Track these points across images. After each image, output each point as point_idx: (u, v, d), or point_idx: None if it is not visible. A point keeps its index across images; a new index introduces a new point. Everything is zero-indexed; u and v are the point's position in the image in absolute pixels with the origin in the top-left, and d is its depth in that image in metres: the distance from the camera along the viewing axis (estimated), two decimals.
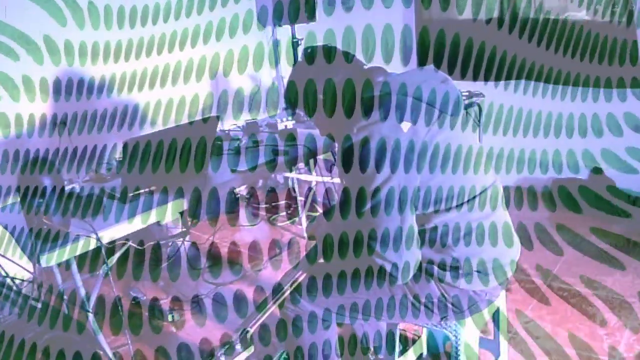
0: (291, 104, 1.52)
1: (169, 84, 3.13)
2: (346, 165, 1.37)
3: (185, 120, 3.14)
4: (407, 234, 1.34)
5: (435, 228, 1.40)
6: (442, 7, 3.44)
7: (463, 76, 3.22)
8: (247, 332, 1.85)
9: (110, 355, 2.00)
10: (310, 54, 1.48)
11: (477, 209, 1.41)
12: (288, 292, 1.71)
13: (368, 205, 1.34)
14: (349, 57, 1.49)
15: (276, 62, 3.83)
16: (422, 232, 1.41)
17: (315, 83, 1.44)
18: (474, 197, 1.41)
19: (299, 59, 1.56)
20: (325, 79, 1.44)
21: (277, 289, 1.76)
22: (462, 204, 1.39)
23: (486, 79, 3.24)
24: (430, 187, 1.36)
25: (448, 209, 1.39)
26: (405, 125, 1.35)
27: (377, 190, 1.33)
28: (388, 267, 1.37)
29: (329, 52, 1.48)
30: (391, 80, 1.44)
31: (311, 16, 3.38)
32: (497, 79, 3.25)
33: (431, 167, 1.36)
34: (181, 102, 3.17)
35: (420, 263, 1.42)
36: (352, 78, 1.43)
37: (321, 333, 1.64)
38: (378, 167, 1.32)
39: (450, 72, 3.10)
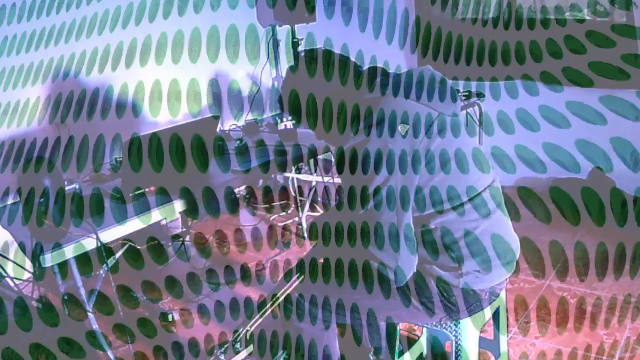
0: (295, 116, 1.53)
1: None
2: (343, 169, 1.38)
3: (184, 118, 3.14)
4: (403, 235, 1.34)
5: (434, 229, 1.40)
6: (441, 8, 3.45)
7: (462, 76, 3.22)
8: (247, 331, 1.85)
9: (111, 355, 2.00)
10: (308, 61, 1.49)
11: (476, 209, 1.41)
12: (288, 291, 1.71)
13: (361, 211, 1.35)
14: (345, 62, 1.49)
15: (276, 62, 3.83)
16: (421, 233, 1.41)
17: (314, 96, 1.46)
18: (473, 198, 1.41)
19: (295, 64, 1.56)
20: (321, 90, 1.45)
21: (277, 288, 1.76)
22: (461, 204, 1.39)
23: (485, 79, 3.24)
24: (429, 188, 1.36)
25: (447, 210, 1.39)
26: (404, 127, 1.35)
27: (374, 192, 1.33)
28: (390, 274, 1.37)
29: (327, 58, 1.48)
30: (388, 82, 1.44)
31: (311, 11, 3.36)
32: (497, 79, 3.24)
33: (430, 168, 1.36)
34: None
35: (420, 263, 1.42)
36: (347, 97, 1.45)
37: (321, 333, 1.64)
38: (376, 169, 1.32)
39: (450, 71, 3.09)
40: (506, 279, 1.54)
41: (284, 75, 3.85)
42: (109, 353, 1.99)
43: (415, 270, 1.40)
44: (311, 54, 1.51)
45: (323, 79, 1.47)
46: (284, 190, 3.78)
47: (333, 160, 3.01)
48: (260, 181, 3.88)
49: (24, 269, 2.04)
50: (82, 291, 1.87)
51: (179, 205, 1.96)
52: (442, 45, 3.16)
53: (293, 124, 2.71)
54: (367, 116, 1.39)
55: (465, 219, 1.40)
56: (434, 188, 1.37)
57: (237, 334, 1.87)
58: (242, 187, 3.72)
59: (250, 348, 1.88)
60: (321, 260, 1.65)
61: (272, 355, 1.99)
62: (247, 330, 1.83)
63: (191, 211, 2.01)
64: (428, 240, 1.41)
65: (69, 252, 1.68)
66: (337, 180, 3.14)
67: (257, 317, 1.83)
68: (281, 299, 1.69)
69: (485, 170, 1.50)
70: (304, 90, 1.48)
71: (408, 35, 3.59)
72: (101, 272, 1.95)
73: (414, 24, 3.58)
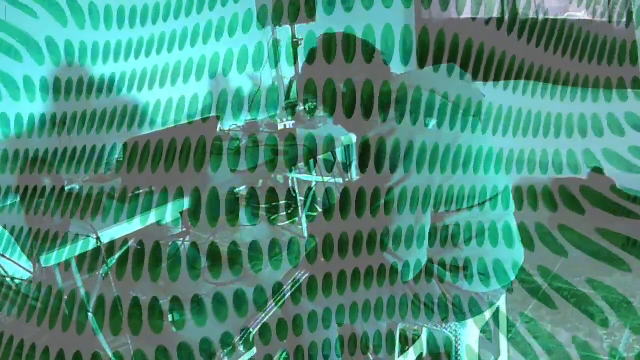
0: (311, 101, 1.48)
1: (168, 83, 3.10)
2: (364, 163, 1.33)
3: (184, 120, 3.13)
4: (420, 232, 1.33)
5: (444, 228, 1.38)
6: (442, 7, 3.45)
7: (463, 76, 3.21)
8: (249, 332, 1.85)
9: (111, 355, 2.00)
10: (328, 46, 1.42)
11: (488, 210, 1.40)
12: (289, 292, 1.70)
13: (381, 202, 1.30)
14: (369, 49, 1.44)
15: (276, 62, 3.83)
16: (430, 232, 1.39)
17: (334, 81, 1.41)
18: (486, 199, 1.40)
19: (317, 47, 1.46)
20: (345, 76, 1.40)
21: (278, 289, 1.75)
22: (472, 206, 1.38)
23: (485, 79, 3.24)
24: (446, 186, 1.34)
25: (459, 210, 1.37)
26: (430, 121, 1.32)
27: (393, 189, 1.29)
28: (400, 265, 1.34)
29: (349, 43, 1.42)
30: (417, 78, 1.41)
31: (311, 15, 3.37)
32: (497, 78, 3.24)
33: (452, 167, 1.33)
34: (180, 102, 3.14)
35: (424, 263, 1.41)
36: (371, 79, 1.40)
37: (321, 332, 1.64)
38: (399, 166, 1.29)
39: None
40: (509, 283, 1.53)
41: (284, 75, 3.87)
42: (109, 353, 1.99)
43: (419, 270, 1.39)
44: (329, 37, 1.44)
45: (343, 61, 1.39)
46: (284, 190, 3.77)
47: (334, 159, 3.01)
48: (260, 181, 3.88)
49: (24, 268, 2.04)
50: (82, 291, 1.87)
51: (179, 205, 1.95)
52: (444, 49, 3.16)
53: (293, 123, 2.71)
54: (408, 99, 1.32)
55: (475, 220, 1.39)
56: (451, 187, 1.34)
57: (239, 335, 1.88)
58: (242, 188, 3.72)
59: (253, 350, 1.88)
60: (322, 260, 1.65)
61: (272, 355, 1.99)
62: (250, 332, 1.83)
63: (191, 211, 2.00)
64: (435, 239, 1.39)
65: (69, 252, 1.68)
66: (338, 180, 3.13)
67: (258, 318, 1.83)
68: (282, 299, 1.69)
69: (501, 172, 1.48)
70: (323, 74, 1.41)
71: (413, 52, 3.57)
72: (101, 272, 1.95)
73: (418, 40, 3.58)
